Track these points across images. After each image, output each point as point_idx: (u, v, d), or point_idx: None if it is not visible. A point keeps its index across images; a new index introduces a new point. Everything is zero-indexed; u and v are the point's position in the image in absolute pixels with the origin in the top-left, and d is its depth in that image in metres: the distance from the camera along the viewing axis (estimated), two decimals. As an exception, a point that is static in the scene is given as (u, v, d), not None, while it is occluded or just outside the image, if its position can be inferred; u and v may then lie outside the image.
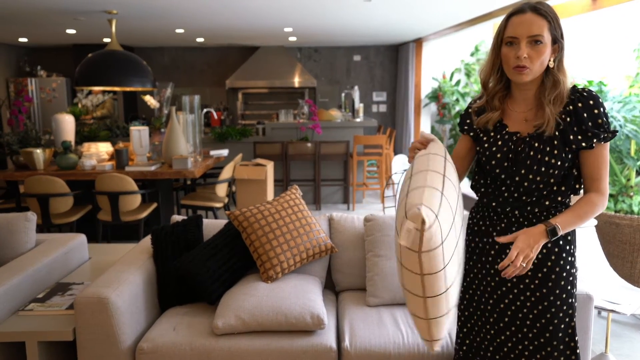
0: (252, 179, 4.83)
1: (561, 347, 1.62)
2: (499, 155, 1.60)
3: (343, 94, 8.41)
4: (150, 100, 5.50)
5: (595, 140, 1.52)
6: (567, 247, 1.60)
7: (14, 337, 2.06)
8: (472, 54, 8.93)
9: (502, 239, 1.52)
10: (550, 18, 1.53)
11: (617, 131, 1.54)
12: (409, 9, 5.40)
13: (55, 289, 2.42)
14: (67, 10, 5.17)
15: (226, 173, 4.83)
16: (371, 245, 2.51)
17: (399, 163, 7.19)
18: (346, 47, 9.45)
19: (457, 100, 8.46)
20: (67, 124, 4.95)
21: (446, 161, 1.59)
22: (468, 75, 8.93)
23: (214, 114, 7.71)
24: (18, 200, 4.69)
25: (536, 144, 1.55)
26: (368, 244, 2.53)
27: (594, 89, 6.40)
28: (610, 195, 6.14)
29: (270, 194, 5.02)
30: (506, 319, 1.65)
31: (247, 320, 2.09)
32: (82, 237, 2.90)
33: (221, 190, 4.83)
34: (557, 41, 1.55)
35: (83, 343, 2.03)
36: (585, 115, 1.51)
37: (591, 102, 1.52)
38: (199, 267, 2.32)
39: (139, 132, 4.67)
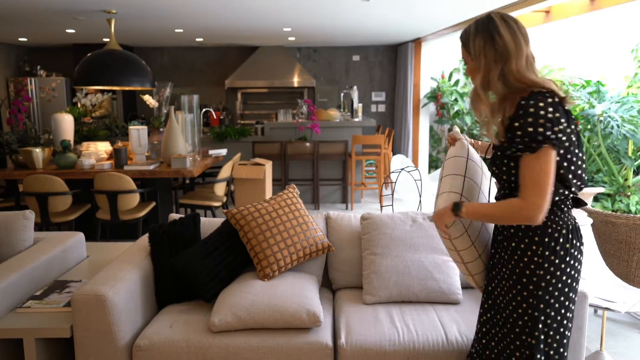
0: (251, 178, 4.84)
1: (533, 349, 1.63)
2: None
3: (342, 94, 8.43)
4: (149, 99, 5.51)
5: (514, 149, 1.55)
6: (546, 252, 1.61)
7: (11, 334, 2.07)
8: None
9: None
10: (464, 36, 1.65)
11: (545, 143, 1.49)
12: (408, 9, 5.41)
13: (53, 287, 2.44)
14: (67, 9, 5.18)
15: (224, 172, 4.84)
16: (368, 244, 2.53)
17: (398, 163, 7.21)
18: (345, 47, 9.46)
19: (456, 100, 8.47)
20: (66, 124, 4.97)
21: (468, 160, 1.85)
22: (467, 75, 8.93)
23: (213, 113, 7.73)
24: (17, 199, 4.70)
25: (496, 152, 1.69)
26: (364, 242, 2.54)
27: (591, 89, 6.42)
28: (608, 195, 6.15)
29: (268, 194, 5.04)
30: (489, 312, 1.78)
31: (244, 318, 2.11)
32: (80, 236, 2.92)
33: (220, 189, 4.85)
34: (472, 57, 1.63)
35: (80, 340, 2.05)
36: (515, 124, 1.53)
37: (521, 111, 1.52)
38: (196, 265, 2.33)
39: (138, 132, 4.69)
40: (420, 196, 4.23)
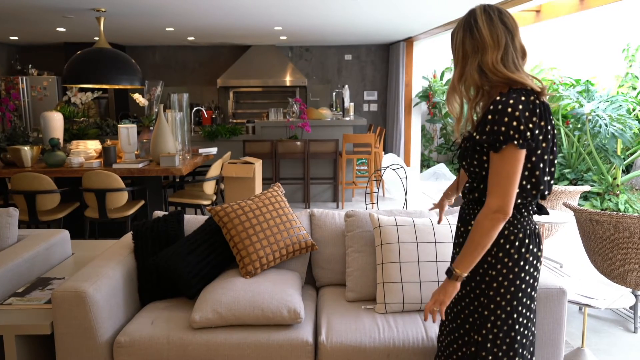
0: (241, 177, 4.85)
1: (478, 346, 1.64)
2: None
3: (334, 93, 8.44)
4: (139, 98, 5.50)
5: (485, 146, 1.54)
6: (499, 254, 1.59)
7: (-8, 331, 2.07)
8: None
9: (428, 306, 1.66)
10: (451, 35, 1.66)
11: (507, 141, 1.47)
12: (397, 8, 5.43)
13: (35, 284, 2.44)
14: (56, 8, 5.17)
15: (214, 171, 4.84)
16: (351, 241, 2.54)
17: (389, 162, 7.23)
18: (337, 46, 9.47)
19: (448, 99, 8.49)
20: (55, 122, 4.95)
21: None
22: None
23: (205, 112, 7.72)
24: (5, 197, 4.69)
25: (463, 143, 1.69)
26: (348, 240, 2.55)
27: (581, 88, 6.46)
28: (597, 194, 6.19)
29: (258, 192, 5.05)
30: (448, 317, 1.79)
31: (225, 314, 2.11)
32: (64, 233, 2.91)
33: (209, 187, 4.85)
34: (454, 52, 1.65)
35: (60, 337, 2.05)
36: (488, 117, 1.51)
37: (491, 107, 1.51)
38: (179, 262, 2.34)
39: (127, 130, 4.68)
40: (405, 194, 4.24)
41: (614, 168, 6.21)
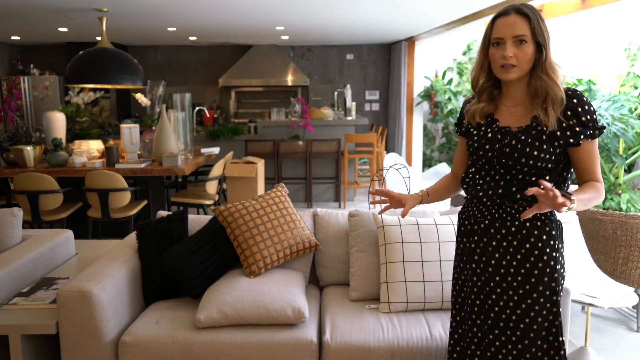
0: (243, 177, 4.85)
1: (545, 346, 1.62)
2: (487, 147, 1.67)
3: (336, 93, 8.44)
4: (141, 98, 5.51)
5: (582, 137, 1.57)
6: (552, 243, 1.62)
7: (-3, 331, 2.08)
8: (464, 53, 8.97)
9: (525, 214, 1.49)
10: (533, 18, 1.58)
11: (604, 127, 1.60)
12: (399, 8, 5.43)
13: (40, 284, 2.44)
14: (58, 8, 5.18)
15: (216, 170, 4.85)
16: (355, 241, 2.54)
17: (391, 161, 7.23)
18: (339, 45, 9.47)
19: (450, 99, 8.50)
20: (58, 122, 4.96)
21: None
22: (460, 74, 8.98)
23: (207, 112, 7.73)
24: (8, 197, 4.70)
25: (523, 137, 1.61)
26: (352, 240, 2.55)
27: (583, 87, 6.45)
28: (599, 193, 6.20)
29: (260, 192, 5.05)
30: (491, 319, 1.66)
31: (229, 314, 2.12)
32: (68, 233, 2.92)
33: (211, 187, 4.85)
34: (541, 40, 1.59)
35: (66, 336, 2.06)
36: (569, 113, 1.57)
37: (575, 100, 1.58)
38: (183, 261, 2.34)
39: (130, 130, 4.69)
40: (408, 193, 4.24)
41: (616, 167, 6.20)
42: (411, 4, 5.20)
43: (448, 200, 6.13)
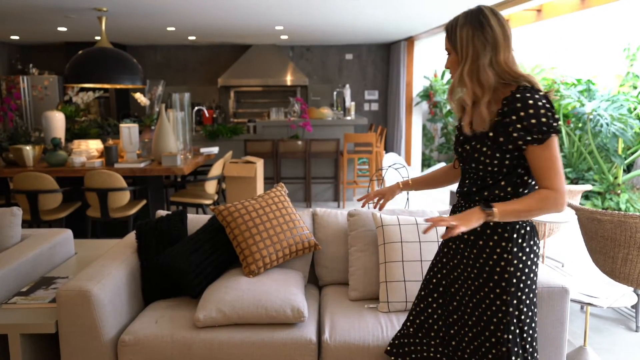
0: (242, 177, 4.85)
1: (492, 340, 1.66)
2: (457, 152, 1.78)
3: (335, 93, 8.44)
4: (140, 97, 5.51)
5: (520, 142, 1.55)
6: (504, 245, 1.64)
7: (-4, 330, 2.08)
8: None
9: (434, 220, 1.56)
10: (450, 29, 1.65)
11: (555, 132, 1.53)
12: (398, 7, 5.43)
13: (39, 283, 2.44)
14: (57, 7, 5.18)
15: (215, 170, 4.85)
16: (354, 240, 2.54)
17: (390, 161, 7.23)
18: (338, 45, 9.48)
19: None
20: (57, 122, 4.96)
21: None
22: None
23: (206, 112, 7.73)
24: (8, 196, 4.70)
25: (472, 143, 1.67)
26: (351, 239, 2.56)
27: (582, 87, 6.46)
28: (598, 193, 6.20)
29: (260, 192, 5.05)
30: (456, 301, 1.77)
31: (228, 313, 2.12)
32: (67, 233, 2.92)
33: (211, 187, 4.85)
34: (455, 49, 1.63)
35: (65, 335, 2.06)
36: (513, 117, 1.55)
37: (518, 104, 1.54)
38: (182, 261, 2.34)
39: (129, 130, 4.69)
40: (407, 193, 4.25)
41: (615, 167, 6.21)
42: (410, 4, 5.21)
43: (447, 201, 6.14)
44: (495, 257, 1.64)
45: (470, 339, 1.72)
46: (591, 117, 5.90)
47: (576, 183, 6.55)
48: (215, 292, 2.22)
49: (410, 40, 8.56)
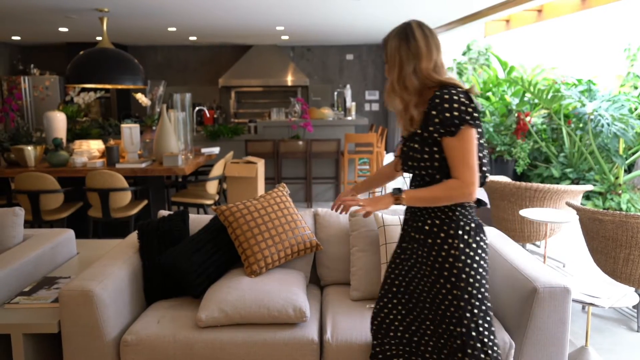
0: (243, 177, 4.86)
1: (447, 334, 1.73)
2: (400, 154, 1.88)
3: (335, 93, 8.45)
4: (141, 98, 5.51)
5: (436, 135, 1.69)
6: (450, 242, 1.73)
7: (-1, 330, 2.08)
8: (464, 53, 8.98)
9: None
10: (384, 43, 1.82)
11: (463, 125, 1.64)
12: (399, 8, 5.43)
13: (41, 283, 2.45)
14: (59, 8, 5.19)
15: (217, 170, 4.86)
16: (356, 241, 2.54)
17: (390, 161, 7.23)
18: (339, 46, 9.48)
19: (449, 99, 8.50)
20: (58, 122, 4.96)
21: None
22: (460, 74, 8.99)
23: (207, 112, 7.73)
24: (9, 196, 4.70)
25: (408, 143, 1.80)
26: (353, 239, 2.56)
27: (583, 87, 6.46)
28: (599, 193, 6.20)
29: (261, 192, 5.06)
30: (418, 291, 1.84)
31: (230, 313, 2.12)
32: (69, 233, 2.92)
33: (212, 187, 4.86)
34: (387, 59, 1.80)
35: (68, 335, 2.06)
36: (433, 113, 1.69)
37: (437, 100, 1.68)
38: (184, 261, 2.35)
39: (130, 130, 4.70)
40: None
41: (616, 167, 6.21)
42: (411, 4, 5.21)
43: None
44: (443, 254, 1.73)
45: (430, 335, 1.80)
46: (592, 117, 5.90)
47: (577, 183, 6.55)
48: (218, 292, 2.22)
49: (411, 41, 8.55)
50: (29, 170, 4.39)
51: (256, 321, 2.15)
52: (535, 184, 3.90)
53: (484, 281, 1.75)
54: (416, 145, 1.74)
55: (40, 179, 4.16)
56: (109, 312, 2.09)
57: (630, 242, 2.92)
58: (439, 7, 5.44)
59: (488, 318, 1.76)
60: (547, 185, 3.89)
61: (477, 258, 1.74)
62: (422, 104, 1.74)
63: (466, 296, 1.71)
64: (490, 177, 4.37)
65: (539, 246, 4.77)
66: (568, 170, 6.62)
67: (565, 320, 2.17)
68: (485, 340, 1.73)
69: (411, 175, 1.87)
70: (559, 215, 3.55)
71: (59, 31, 7.05)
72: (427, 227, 1.77)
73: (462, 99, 1.66)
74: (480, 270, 1.74)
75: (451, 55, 9.02)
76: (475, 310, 1.72)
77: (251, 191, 4.88)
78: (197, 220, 2.68)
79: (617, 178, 6.15)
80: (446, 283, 1.72)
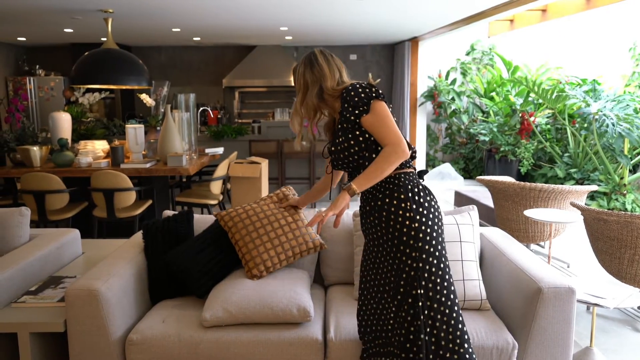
0: (247, 177, 4.87)
1: (399, 297, 1.82)
2: (331, 158, 2.10)
3: (339, 93, 8.43)
4: (146, 98, 5.53)
5: (352, 118, 1.89)
6: (413, 206, 1.84)
7: (6, 328, 2.10)
8: (467, 53, 8.97)
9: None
10: (293, 72, 2.09)
11: (372, 99, 1.86)
12: (402, 8, 5.43)
13: (47, 282, 2.46)
14: (64, 9, 5.21)
15: (221, 170, 4.87)
16: (359, 240, 2.54)
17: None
18: (342, 46, 9.49)
19: (453, 99, 8.50)
20: (63, 122, 4.99)
21: None
22: (464, 74, 8.98)
23: (210, 112, 7.75)
24: (15, 196, 4.73)
25: (333, 146, 2.01)
26: (357, 239, 2.56)
27: (587, 87, 6.44)
28: (604, 194, 6.18)
29: (265, 192, 5.07)
30: (377, 269, 1.96)
31: (235, 313, 2.13)
32: (75, 232, 2.94)
33: (216, 187, 4.87)
34: (296, 84, 2.06)
35: (74, 334, 2.07)
36: (345, 106, 1.92)
37: (344, 94, 1.92)
38: (188, 261, 2.36)
39: (135, 130, 4.72)
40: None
41: (621, 168, 6.19)
42: (415, 4, 5.21)
43: (452, 200, 6.13)
44: (400, 219, 1.83)
45: (393, 314, 1.86)
46: (597, 117, 5.88)
47: (581, 183, 6.53)
48: (222, 292, 2.23)
49: (414, 41, 8.55)
50: (34, 170, 4.42)
51: (260, 321, 2.16)
52: (539, 184, 3.90)
53: (440, 239, 1.85)
54: (341, 139, 1.92)
55: (46, 179, 4.18)
56: (115, 311, 2.10)
57: (635, 242, 2.91)
58: (443, 7, 5.44)
59: (447, 277, 1.82)
60: (552, 186, 3.89)
61: (430, 216, 1.84)
62: (337, 110, 1.98)
63: (424, 255, 1.79)
64: (494, 178, 4.37)
65: (543, 247, 4.76)
66: (572, 170, 6.61)
67: (570, 320, 2.17)
68: (447, 301, 1.80)
69: (347, 173, 2.04)
70: (564, 216, 3.54)
71: (64, 32, 7.08)
72: (379, 202, 1.89)
73: (363, 85, 1.89)
74: (436, 228, 1.84)
75: (455, 55, 9.01)
76: (434, 269, 1.79)
77: (255, 191, 4.89)
78: (202, 221, 2.69)
79: (622, 178, 6.13)
80: (406, 248, 1.80)
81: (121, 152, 4.62)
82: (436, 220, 1.86)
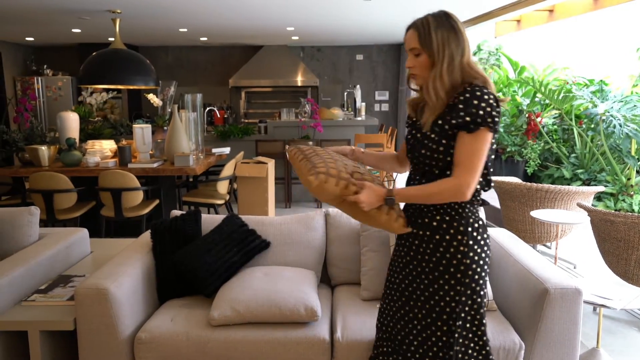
0: (253, 177, 4.88)
1: (438, 333, 1.74)
2: (408, 142, 1.83)
3: (345, 93, 8.46)
4: (153, 98, 5.56)
5: (454, 122, 1.64)
6: (460, 238, 1.71)
7: (16, 327, 2.13)
8: (474, 53, 8.95)
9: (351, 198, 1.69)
10: (421, 30, 1.70)
11: (483, 125, 1.59)
12: (409, 8, 5.44)
13: (57, 281, 2.49)
14: (72, 9, 5.25)
15: (227, 170, 4.89)
16: (366, 241, 2.56)
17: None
18: (349, 46, 9.49)
19: (459, 99, 8.47)
20: (71, 122, 5.02)
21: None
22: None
23: (217, 112, 7.77)
24: (24, 196, 4.77)
25: (424, 131, 1.73)
26: (363, 240, 2.58)
27: (595, 88, 6.41)
28: (611, 194, 6.15)
29: (271, 192, 5.08)
30: (405, 297, 1.82)
31: (242, 312, 2.15)
32: (84, 232, 2.97)
33: (222, 187, 4.89)
34: (427, 50, 1.67)
35: (83, 333, 2.10)
36: (460, 107, 1.63)
37: (467, 95, 1.63)
38: (196, 261, 2.37)
39: (142, 130, 4.74)
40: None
41: (628, 168, 6.16)
42: (421, 4, 5.21)
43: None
44: (452, 250, 1.70)
45: (418, 332, 1.77)
46: (604, 118, 5.86)
47: (588, 184, 6.50)
48: (230, 291, 2.25)
49: (421, 41, 8.54)
50: (42, 169, 4.45)
51: (268, 320, 2.17)
52: (546, 185, 3.89)
53: (486, 278, 1.77)
54: (433, 135, 1.69)
55: (54, 179, 4.21)
56: (124, 310, 2.12)
57: (642, 243, 2.90)
58: (450, 7, 5.43)
59: (482, 311, 1.77)
60: (558, 186, 3.88)
61: (483, 255, 1.74)
62: (451, 97, 1.69)
63: (469, 292, 1.71)
64: (501, 178, 4.36)
65: (549, 247, 4.75)
66: (579, 171, 6.58)
67: (577, 321, 2.17)
68: (483, 336, 1.76)
69: (412, 169, 1.83)
70: (570, 217, 3.54)
71: (72, 32, 7.13)
72: (435, 224, 1.73)
73: (491, 101, 1.61)
74: (485, 267, 1.76)
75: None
76: (475, 306, 1.73)
77: (261, 191, 4.91)
78: (209, 220, 2.71)
79: (629, 179, 6.10)
80: (450, 279, 1.71)
81: (129, 151, 4.65)
82: (487, 259, 1.76)
